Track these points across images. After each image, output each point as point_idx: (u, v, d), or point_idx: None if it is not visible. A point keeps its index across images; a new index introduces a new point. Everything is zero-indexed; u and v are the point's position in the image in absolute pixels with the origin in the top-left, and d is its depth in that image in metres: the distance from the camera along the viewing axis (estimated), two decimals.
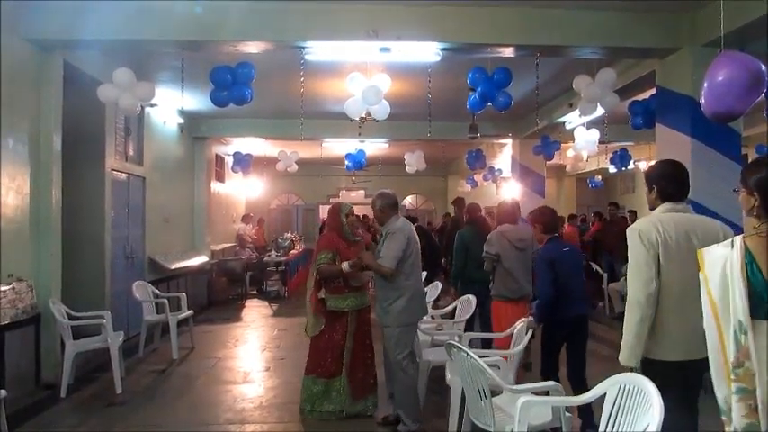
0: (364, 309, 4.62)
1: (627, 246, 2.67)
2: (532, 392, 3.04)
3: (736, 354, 1.94)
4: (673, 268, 2.58)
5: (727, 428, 2.02)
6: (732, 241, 2.04)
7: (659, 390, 2.35)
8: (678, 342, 2.58)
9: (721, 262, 2.01)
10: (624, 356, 2.61)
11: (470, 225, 6.24)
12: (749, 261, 1.98)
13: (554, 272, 3.89)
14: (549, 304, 3.87)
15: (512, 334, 4.09)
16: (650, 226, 2.65)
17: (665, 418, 2.26)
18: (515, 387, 3.21)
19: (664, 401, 2.33)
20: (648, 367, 2.58)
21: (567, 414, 3.08)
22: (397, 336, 4.18)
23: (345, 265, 4.34)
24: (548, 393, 3.25)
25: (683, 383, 2.64)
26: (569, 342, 4.02)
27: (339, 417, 4.44)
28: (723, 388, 2.02)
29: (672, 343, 2.59)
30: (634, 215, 10.80)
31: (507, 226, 5.15)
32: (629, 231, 2.73)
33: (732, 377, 1.96)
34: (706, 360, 2.17)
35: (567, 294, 3.88)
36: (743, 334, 1.92)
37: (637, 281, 2.60)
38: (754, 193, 2.11)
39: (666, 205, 2.75)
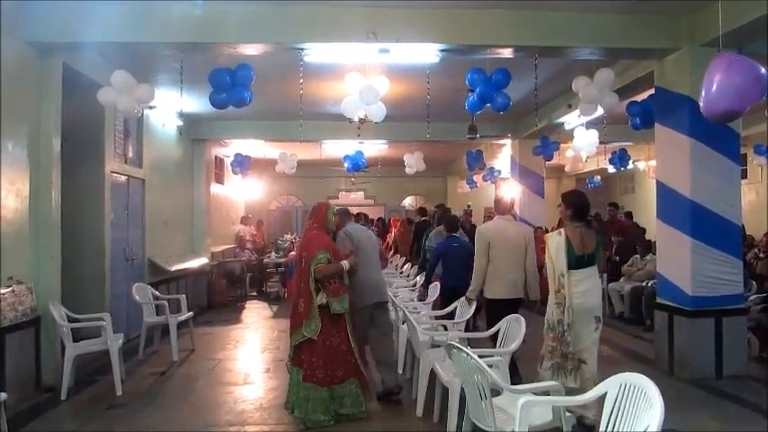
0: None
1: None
2: (533, 392, 3.04)
3: (558, 286, 4.06)
4: (497, 250, 5.07)
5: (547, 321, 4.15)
6: (560, 231, 4.18)
7: (494, 313, 4.90)
8: (500, 288, 5.05)
9: (556, 242, 4.13)
10: (471, 294, 5.15)
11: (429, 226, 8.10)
12: (567, 243, 4.08)
13: (439, 257, 6.31)
14: (430, 273, 6.50)
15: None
16: (486, 228, 5.38)
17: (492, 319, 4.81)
18: (516, 387, 3.22)
19: (493, 317, 4.77)
20: (488, 302, 5.15)
21: (567, 414, 3.08)
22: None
23: (346, 264, 4.49)
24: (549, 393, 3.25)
25: (506, 310, 4.69)
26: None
27: (361, 417, 4.45)
28: (552, 303, 4.11)
29: (498, 289, 5.06)
30: (630, 216, 10.86)
31: (442, 227, 7.02)
32: (477, 230, 5.50)
33: (555, 297, 4.08)
34: (516, 299, 5.08)
35: (451, 272, 6.13)
36: (562, 277, 4.05)
37: (478, 256, 5.13)
38: (570, 209, 4.21)
39: (498, 216, 5.37)
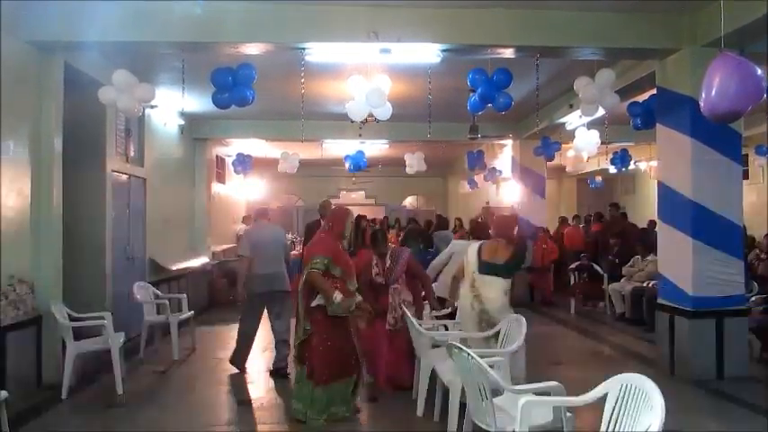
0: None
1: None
2: (533, 393, 3.04)
3: (471, 284, 4.68)
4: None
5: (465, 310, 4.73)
6: (477, 245, 4.86)
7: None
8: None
9: (473, 250, 4.81)
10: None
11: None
12: (478, 250, 4.77)
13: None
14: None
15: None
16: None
17: None
18: (516, 387, 3.21)
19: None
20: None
21: (568, 414, 3.08)
22: None
23: (338, 296, 4.28)
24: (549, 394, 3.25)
25: None
26: None
27: (347, 416, 4.48)
28: (468, 293, 4.69)
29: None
30: (624, 217, 10.89)
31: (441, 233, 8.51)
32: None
33: (471, 291, 4.68)
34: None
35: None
36: (473, 273, 4.67)
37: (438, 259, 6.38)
38: (494, 230, 5.02)
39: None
